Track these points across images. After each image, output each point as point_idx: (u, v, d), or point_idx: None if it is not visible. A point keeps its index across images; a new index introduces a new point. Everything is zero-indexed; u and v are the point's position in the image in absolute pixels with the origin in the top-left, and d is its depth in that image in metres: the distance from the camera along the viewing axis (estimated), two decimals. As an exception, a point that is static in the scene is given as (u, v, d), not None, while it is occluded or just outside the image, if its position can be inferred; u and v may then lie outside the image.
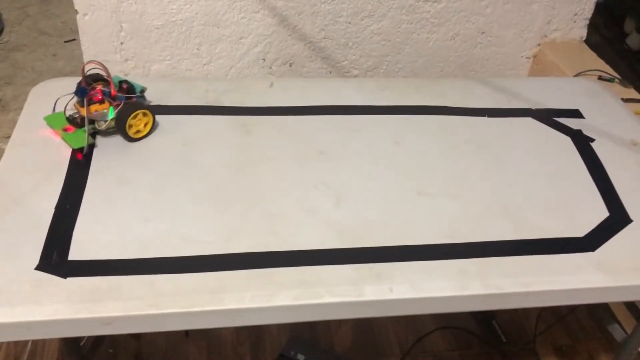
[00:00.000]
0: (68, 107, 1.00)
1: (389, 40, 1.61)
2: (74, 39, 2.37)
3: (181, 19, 1.47)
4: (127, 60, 1.52)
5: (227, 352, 1.35)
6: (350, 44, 1.60)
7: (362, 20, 1.56)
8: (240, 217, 0.88)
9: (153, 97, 1.10)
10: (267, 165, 0.98)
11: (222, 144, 1.02)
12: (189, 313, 0.75)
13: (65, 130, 0.98)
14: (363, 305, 0.80)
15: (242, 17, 1.50)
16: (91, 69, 0.99)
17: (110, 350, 1.33)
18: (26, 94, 1.08)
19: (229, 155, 1.00)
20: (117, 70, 1.53)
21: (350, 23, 1.56)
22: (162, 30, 1.48)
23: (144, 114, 1.00)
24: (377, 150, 1.04)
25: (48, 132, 0.99)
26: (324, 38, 1.57)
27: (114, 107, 0.98)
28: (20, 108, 1.06)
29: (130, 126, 0.99)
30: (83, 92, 0.96)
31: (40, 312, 0.73)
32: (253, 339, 1.38)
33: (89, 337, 1.19)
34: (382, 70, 1.67)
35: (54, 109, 1.01)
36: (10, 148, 0.96)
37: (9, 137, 0.99)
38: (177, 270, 0.79)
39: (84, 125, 0.96)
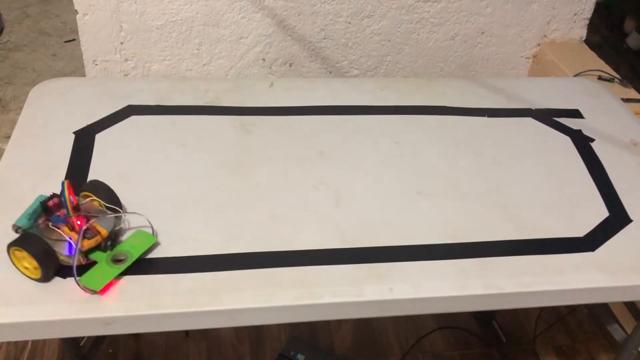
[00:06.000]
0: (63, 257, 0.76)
1: (389, 40, 1.61)
2: (74, 39, 2.37)
3: (181, 19, 1.47)
4: (127, 60, 1.52)
5: (227, 352, 1.35)
6: (350, 44, 1.60)
7: (362, 20, 1.56)
8: (240, 217, 0.88)
9: (153, 97, 1.10)
10: (267, 165, 0.98)
11: (222, 144, 1.02)
12: (189, 313, 0.75)
13: (116, 261, 0.77)
14: (363, 305, 0.80)
15: (242, 17, 1.50)
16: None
17: (110, 350, 1.33)
18: (26, 94, 1.08)
19: (229, 155, 1.00)
20: (118, 70, 1.53)
21: (350, 23, 1.56)
22: (162, 30, 1.48)
23: None
24: (377, 150, 1.04)
25: (106, 291, 0.75)
26: (324, 38, 1.57)
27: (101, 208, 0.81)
28: (20, 108, 1.06)
29: None
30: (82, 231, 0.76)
31: (40, 312, 0.73)
32: (253, 339, 1.38)
33: (89, 337, 1.19)
34: (382, 70, 1.67)
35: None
36: (10, 148, 0.96)
37: (9, 137, 0.99)
38: (177, 270, 0.79)
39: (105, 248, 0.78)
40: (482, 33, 1.64)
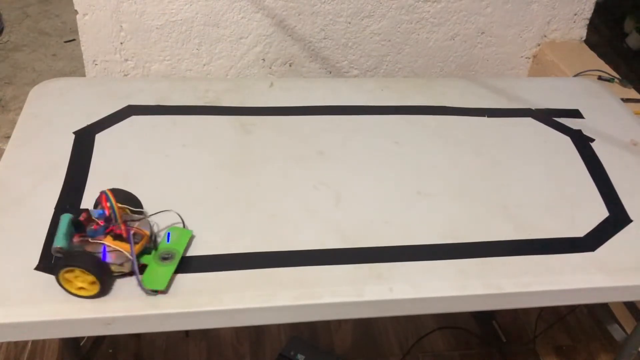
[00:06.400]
0: (116, 258, 0.76)
1: (389, 40, 1.61)
2: (74, 39, 2.37)
3: (181, 19, 1.47)
4: (127, 60, 1.52)
5: (227, 352, 1.35)
6: (350, 44, 1.60)
7: (362, 20, 1.56)
8: (240, 217, 0.88)
9: (153, 97, 1.10)
10: (267, 165, 0.98)
11: (222, 144, 1.02)
12: (189, 313, 0.75)
13: (164, 259, 0.79)
14: (363, 305, 0.80)
15: (242, 17, 1.50)
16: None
17: (110, 350, 1.33)
18: (26, 94, 1.08)
19: (229, 155, 1.00)
20: (118, 70, 1.53)
21: (350, 23, 1.56)
22: (162, 30, 1.48)
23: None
24: (377, 150, 1.04)
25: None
26: (324, 38, 1.57)
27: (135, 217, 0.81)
28: (20, 108, 1.06)
29: None
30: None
31: (40, 312, 0.73)
32: (253, 339, 1.38)
33: (89, 337, 1.19)
34: (382, 70, 1.67)
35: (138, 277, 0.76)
36: (10, 148, 0.96)
37: (9, 137, 0.99)
38: (177, 270, 0.79)
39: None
40: (482, 33, 1.64)
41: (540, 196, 0.98)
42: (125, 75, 1.54)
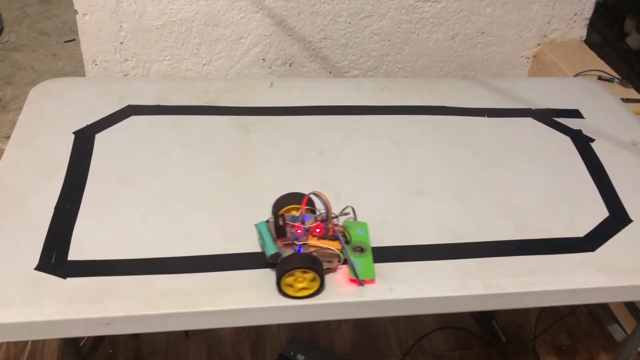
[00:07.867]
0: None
1: (389, 40, 1.61)
2: (74, 39, 2.37)
3: (181, 19, 1.47)
4: (126, 60, 1.52)
5: (227, 352, 1.35)
6: (350, 44, 1.60)
7: (362, 20, 1.56)
8: (240, 217, 0.88)
9: (153, 97, 1.10)
10: (267, 165, 0.98)
11: (222, 144, 1.02)
12: (188, 313, 0.75)
13: (356, 251, 0.83)
14: (363, 305, 0.80)
15: (242, 17, 1.50)
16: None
17: (110, 351, 1.33)
18: (26, 94, 1.08)
19: (229, 155, 1.00)
20: (117, 70, 1.53)
21: (350, 23, 1.56)
22: (162, 30, 1.48)
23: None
24: (377, 150, 1.04)
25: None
26: (324, 38, 1.57)
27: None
28: (20, 108, 1.06)
29: None
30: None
31: (40, 312, 0.73)
32: (253, 339, 1.38)
33: (89, 337, 1.19)
34: (382, 70, 1.67)
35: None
36: (10, 148, 0.96)
37: (9, 137, 0.99)
38: (177, 270, 0.79)
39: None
40: (482, 33, 1.64)
41: (540, 196, 0.98)
42: (125, 75, 1.54)
